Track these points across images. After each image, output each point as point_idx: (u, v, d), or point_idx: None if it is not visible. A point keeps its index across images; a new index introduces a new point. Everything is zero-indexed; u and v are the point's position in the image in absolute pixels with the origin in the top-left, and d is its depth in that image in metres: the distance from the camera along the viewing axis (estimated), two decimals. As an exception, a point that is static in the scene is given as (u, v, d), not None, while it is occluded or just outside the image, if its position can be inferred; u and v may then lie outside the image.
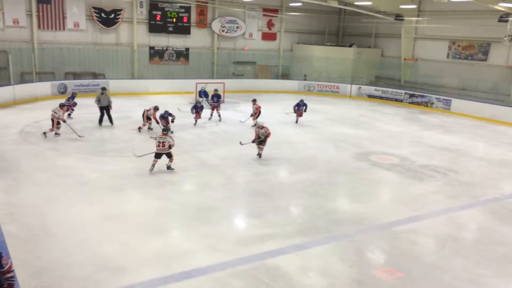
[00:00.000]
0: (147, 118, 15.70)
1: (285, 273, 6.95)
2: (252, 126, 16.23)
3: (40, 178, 10.14)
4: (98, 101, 16.20)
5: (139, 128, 15.64)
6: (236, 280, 6.71)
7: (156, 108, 15.90)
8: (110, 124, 16.32)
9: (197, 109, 17.01)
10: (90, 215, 8.55)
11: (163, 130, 11.81)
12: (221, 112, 18.29)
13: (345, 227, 8.83)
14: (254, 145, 13.16)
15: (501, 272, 7.47)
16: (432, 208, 10.12)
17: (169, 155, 11.31)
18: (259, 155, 13.10)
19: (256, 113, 17.22)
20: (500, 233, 8.90)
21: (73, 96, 17.31)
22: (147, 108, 15.91)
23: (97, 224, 8.24)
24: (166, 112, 15.43)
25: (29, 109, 18.49)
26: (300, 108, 18.49)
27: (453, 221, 9.44)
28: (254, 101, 17.68)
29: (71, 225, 8.10)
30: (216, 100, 18.14)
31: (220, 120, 18.06)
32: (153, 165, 11.17)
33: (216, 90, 18.47)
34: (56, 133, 14.31)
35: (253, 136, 13.34)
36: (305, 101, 18.79)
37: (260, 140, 12.94)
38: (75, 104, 17.12)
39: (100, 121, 16.31)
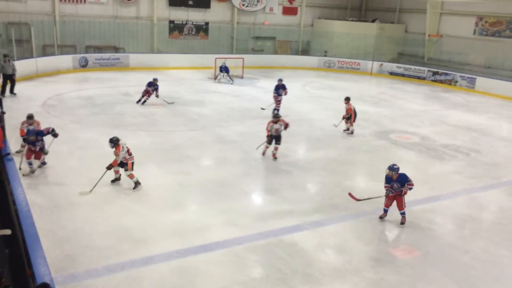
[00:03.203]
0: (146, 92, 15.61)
1: (302, 249, 7.01)
2: (344, 130, 13.66)
3: (62, 150, 10.32)
4: (2, 68, 15.38)
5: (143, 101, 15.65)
6: (253, 254, 6.80)
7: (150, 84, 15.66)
8: (10, 94, 15.60)
9: (150, 85, 15.62)
10: (111, 187, 8.70)
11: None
12: (248, 90, 17.08)
13: (363, 205, 8.80)
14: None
15: (521, 254, 7.39)
16: (453, 188, 10.01)
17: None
18: (274, 156, 10.96)
19: (350, 116, 13.38)
20: (522, 215, 8.77)
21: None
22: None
23: (118, 197, 8.40)
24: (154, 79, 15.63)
25: (51, 82, 18.72)
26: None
27: (473, 202, 9.33)
28: (347, 99, 13.56)
29: (93, 196, 8.28)
30: (280, 93, 15.09)
31: (262, 108, 15.58)
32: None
33: (280, 80, 15.29)
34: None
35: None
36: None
37: (277, 136, 10.85)
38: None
39: (3, 91, 15.51)
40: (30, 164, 9.06)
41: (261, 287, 5.99)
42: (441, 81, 24.24)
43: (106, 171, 8.52)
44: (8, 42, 19.53)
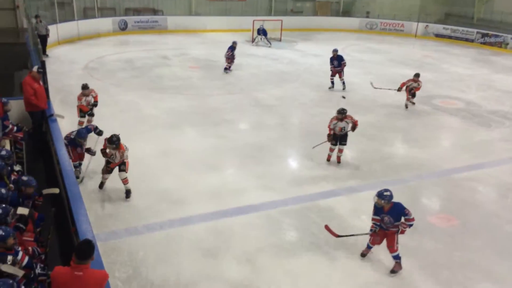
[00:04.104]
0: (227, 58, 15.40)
1: (337, 215, 6.99)
2: (411, 103, 12.43)
3: (103, 113, 10.56)
4: (35, 29, 15.00)
5: (225, 69, 15.49)
6: (287, 218, 6.85)
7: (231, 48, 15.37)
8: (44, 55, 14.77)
9: (232, 49, 15.24)
10: (150, 150, 8.90)
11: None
12: (286, 53, 16.36)
13: (401, 173, 8.62)
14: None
15: None
16: (498, 156, 9.61)
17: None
18: (338, 160, 8.87)
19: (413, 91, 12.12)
20: None
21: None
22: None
23: (156, 159, 8.59)
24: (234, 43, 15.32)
25: (92, 45, 19.06)
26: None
27: (519, 171, 8.93)
28: (417, 76, 12.24)
29: (132, 158, 8.44)
30: (337, 64, 13.60)
31: (344, 88, 13.89)
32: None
33: (335, 51, 13.64)
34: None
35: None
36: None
37: (342, 135, 8.65)
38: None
39: (44, 51, 14.57)
40: (76, 167, 7.34)
41: (295, 250, 6.05)
42: (490, 44, 22.90)
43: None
44: (50, 5, 19.88)
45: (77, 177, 7.11)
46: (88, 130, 7.58)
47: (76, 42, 19.37)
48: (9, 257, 3.91)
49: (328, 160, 8.82)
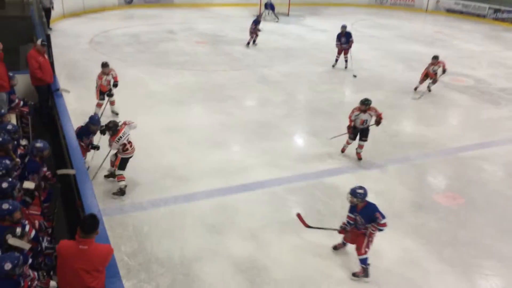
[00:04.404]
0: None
1: (342, 193, 6.90)
2: (432, 85, 11.61)
3: (109, 88, 10.54)
4: (40, 2, 14.46)
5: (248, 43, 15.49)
6: (293, 195, 6.86)
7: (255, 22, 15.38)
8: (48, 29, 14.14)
9: (256, 23, 15.45)
10: (155, 125, 8.89)
11: None
12: (293, 28, 16.12)
13: (408, 151, 8.57)
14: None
15: None
16: (506, 135, 9.51)
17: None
18: (358, 156, 8.03)
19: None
20: None
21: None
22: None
23: (162, 135, 8.59)
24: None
25: (98, 19, 18.87)
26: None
27: (527, 150, 8.84)
28: (436, 58, 11.35)
29: (137, 133, 8.43)
30: (345, 41, 13.07)
31: (346, 67, 13.40)
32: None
33: (344, 26, 13.11)
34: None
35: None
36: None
37: (363, 129, 7.80)
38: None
39: (48, 24, 14.56)
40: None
41: (300, 227, 6.07)
42: (503, 19, 22.35)
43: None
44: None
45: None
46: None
47: (81, 15, 19.17)
48: (18, 229, 3.96)
49: (343, 151, 8.13)
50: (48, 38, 8.34)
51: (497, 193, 7.26)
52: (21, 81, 7.89)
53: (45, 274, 4.12)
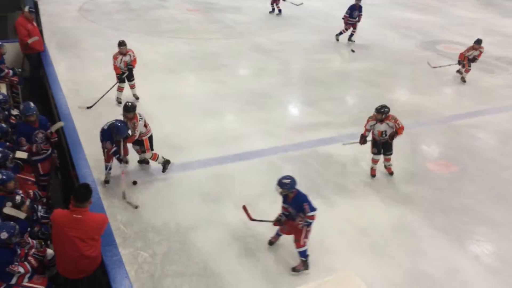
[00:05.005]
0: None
1: (336, 161, 7.02)
2: (462, 75, 10.56)
3: (100, 56, 10.33)
4: None
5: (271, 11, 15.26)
6: (288, 164, 6.88)
7: None
8: None
9: None
10: (149, 94, 8.78)
11: None
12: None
13: (402, 119, 8.48)
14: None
15: None
16: (499, 103, 9.54)
17: None
18: (389, 171, 6.85)
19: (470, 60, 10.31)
20: None
21: None
22: None
23: (156, 104, 8.49)
24: None
25: (87, -14, 18.32)
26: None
27: (520, 118, 8.89)
28: (478, 42, 10.29)
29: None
30: (356, 15, 12.32)
31: (349, 39, 12.76)
32: None
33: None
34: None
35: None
36: None
37: (384, 143, 6.58)
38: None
39: None
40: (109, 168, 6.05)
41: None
42: (500, -14, 22.04)
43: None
44: None
45: (107, 181, 5.97)
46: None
47: (70, -18, 18.58)
48: (18, 197, 3.96)
49: (373, 175, 6.77)
50: (36, 5, 8.15)
51: (489, 160, 7.34)
52: (10, 49, 7.74)
53: (42, 243, 4.15)
